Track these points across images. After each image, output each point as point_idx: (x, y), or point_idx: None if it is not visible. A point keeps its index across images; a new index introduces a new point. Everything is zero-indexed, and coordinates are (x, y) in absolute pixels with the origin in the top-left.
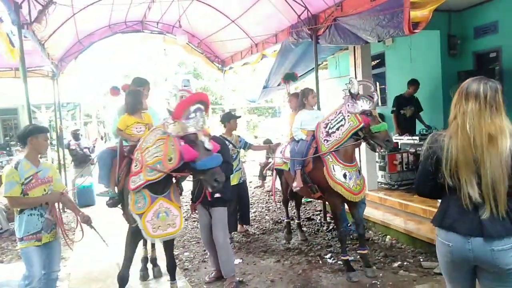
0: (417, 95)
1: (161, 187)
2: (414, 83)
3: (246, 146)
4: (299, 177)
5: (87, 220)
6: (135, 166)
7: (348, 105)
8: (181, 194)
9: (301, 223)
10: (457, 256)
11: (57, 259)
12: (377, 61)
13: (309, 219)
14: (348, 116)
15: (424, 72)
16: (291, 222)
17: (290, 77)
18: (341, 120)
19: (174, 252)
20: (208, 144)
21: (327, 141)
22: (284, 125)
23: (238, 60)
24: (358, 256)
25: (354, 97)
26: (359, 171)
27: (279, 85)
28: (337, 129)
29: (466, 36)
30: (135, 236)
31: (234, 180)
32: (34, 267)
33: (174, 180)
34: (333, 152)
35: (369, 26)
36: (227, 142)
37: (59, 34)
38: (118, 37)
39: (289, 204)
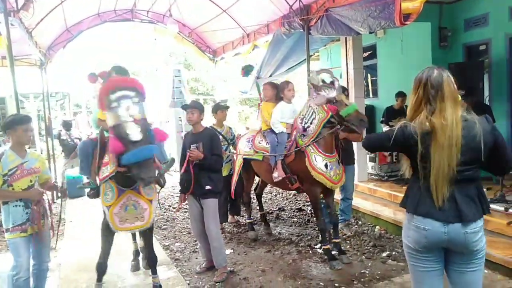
0: (408, 87)
1: (128, 179)
2: (401, 95)
3: (233, 141)
4: (280, 168)
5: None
6: (107, 156)
7: (313, 98)
8: (163, 187)
9: (265, 215)
10: (432, 240)
11: (46, 250)
12: (369, 52)
13: (299, 209)
14: (316, 108)
15: (415, 64)
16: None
17: (249, 69)
18: (312, 114)
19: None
20: (136, 135)
21: (304, 135)
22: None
23: (229, 51)
24: (348, 246)
25: (316, 88)
26: (338, 162)
27: (271, 76)
28: (311, 123)
29: (457, 28)
30: (108, 228)
31: (224, 171)
32: (21, 258)
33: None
34: (314, 143)
35: (360, 17)
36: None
37: (47, 22)
38: (107, 26)
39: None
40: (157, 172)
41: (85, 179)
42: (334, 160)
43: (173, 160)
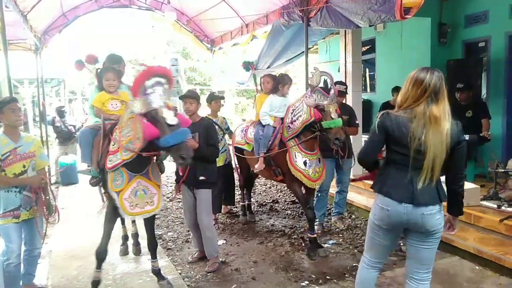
0: None
1: (139, 165)
2: (397, 90)
3: (228, 131)
4: (262, 160)
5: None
6: (113, 145)
7: (306, 97)
8: (163, 172)
9: (251, 205)
10: (394, 219)
11: (38, 237)
12: (368, 47)
13: (293, 202)
14: (305, 107)
15: (413, 59)
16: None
17: (249, 64)
18: (301, 111)
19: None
20: (172, 119)
21: (289, 127)
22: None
23: (228, 41)
24: (341, 240)
25: (312, 89)
26: (319, 159)
27: (269, 67)
28: (297, 118)
29: (457, 25)
30: (113, 214)
31: (219, 162)
32: (12, 243)
33: (154, 159)
34: (296, 140)
35: (361, 10)
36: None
37: (42, 6)
38: (104, 12)
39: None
40: (157, 160)
41: (85, 166)
42: (315, 158)
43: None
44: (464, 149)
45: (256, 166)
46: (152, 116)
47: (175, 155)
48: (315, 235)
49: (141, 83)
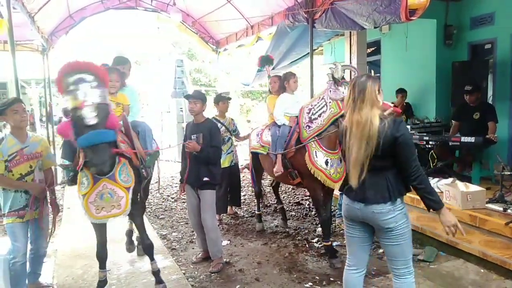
0: (411, 84)
1: (102, 167)
2: (401, 92)
3: (235, 133)
4: (280, 162)
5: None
6: None
7: (330, 91)
8: (146, 178)
9: (285, 208)
10: (352, 213)
11: (43, 236)
12: (373, 48)
13: (298, 203)
14: (330, 102)
15: (419, 61)
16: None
17: (266, 61)
18: (323, 106)
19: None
20: (91, 119)
21: (309, 127)
22: (265, 109)
23: (233, 42)
24: (344, 241)
25: (336, 82)
26: (341, 159)
27: (273, 68)
28: (319, 115)
29: (463, 26)
30: None
31: (225, 163)
32: (18, 242)
33: (122, 160)
34: (316, 138)
35: (366, 11)
36: (219, 124)
37: (49, 7)
38: (110, 12)
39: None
40: (141, 163)
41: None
42: (337, 157)
43: (157, 152)
44: (405, 146)
45: (274, 169)
46: (73, 114)
47: (88, 160)
48: (330, 243)
49: (62, 79)
